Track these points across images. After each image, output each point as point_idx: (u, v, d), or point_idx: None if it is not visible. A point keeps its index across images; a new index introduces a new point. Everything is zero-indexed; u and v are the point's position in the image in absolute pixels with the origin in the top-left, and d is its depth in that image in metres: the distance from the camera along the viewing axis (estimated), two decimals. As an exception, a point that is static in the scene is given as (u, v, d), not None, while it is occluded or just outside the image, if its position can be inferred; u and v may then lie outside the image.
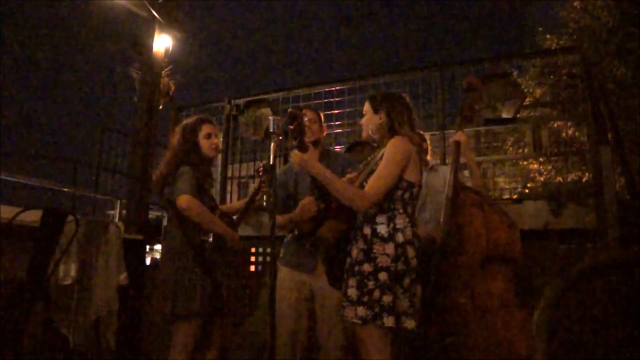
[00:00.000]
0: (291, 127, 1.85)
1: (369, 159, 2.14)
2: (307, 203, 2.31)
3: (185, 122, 2.61)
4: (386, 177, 1.88)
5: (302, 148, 1.88)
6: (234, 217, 2.70)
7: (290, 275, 2.42)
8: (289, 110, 1.89)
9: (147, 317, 3.64)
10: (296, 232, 2.38)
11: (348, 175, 2.17)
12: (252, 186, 2.76)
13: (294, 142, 1.86)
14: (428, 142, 2.88)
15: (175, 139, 2.53)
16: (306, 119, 2.53)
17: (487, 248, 2.12)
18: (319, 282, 2.34)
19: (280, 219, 2.34)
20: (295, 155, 1.90)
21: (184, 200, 2.26)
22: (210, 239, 2.43)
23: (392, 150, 1.92)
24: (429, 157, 2.84)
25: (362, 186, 1.96)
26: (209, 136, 2.52)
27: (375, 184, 1.88)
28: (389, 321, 1.78)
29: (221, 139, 4.58)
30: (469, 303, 2.08)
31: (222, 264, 2.45)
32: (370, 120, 2.09)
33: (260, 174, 2.70)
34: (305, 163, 1.90)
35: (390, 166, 1.89)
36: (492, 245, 2.12)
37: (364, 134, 2.14)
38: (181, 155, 2.43)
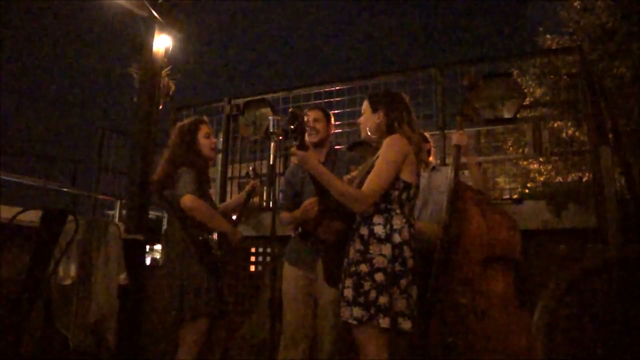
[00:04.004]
0: (292, 127, 1.85)
1: (368, 160, 2.13)
2: (309, 204, 2.35)
3: (182, 122, 2.60)
4: (383, 175, 1.87)
5: (303, 148, 1.88)
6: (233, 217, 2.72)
7: (292, 271, 2.50)
8: (290, 110, 1.89)
9: (147, 317, 3.64)
10: (299, 230, 2.41)
11: (351, 173, 2.17)
12: (248, 186, 2.77)
13: (294, 142, 1.86)
14: (431, 143, 2.88)
15: (172, 139, 2.52)
16: (309, 118, 2.55)
17: (488, 248, 2.13)
18: (317, 280, 2.40)
19: (286, 215, 2.48)
20: (295, 154, 1.89)
21: (189, 200, 2.26)
22: (215, 237, 2.42)
23: (388, 148, 1.91)
24: (431, 158, 2.83)
25: (360, 187, 1.95)
26: (208, 136, 2.53)
27: (372, 183, 1.87)
28: (384, 322, 1.77)
29: (221, 139, 4.58)
30: (469, 303, 2.08)
31: (226, 262, 2.45)
32: (368, 120, 2.08)
33: (252, 176, 2.73)
34: (305, 162, 1.89)
35: (386, 164, 1.88)
36: (492, 245, 2.13)
37: (362, 134, 2.13)
38: (180, 156, 2.43)
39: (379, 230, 1.87)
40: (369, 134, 2.08)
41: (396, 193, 1.91)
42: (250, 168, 2.81)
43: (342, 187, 1.89)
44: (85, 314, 2.98)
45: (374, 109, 2.06)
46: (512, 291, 2.13)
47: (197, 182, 2.35)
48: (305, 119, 2.48)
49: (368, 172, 1.95)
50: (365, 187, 1.88)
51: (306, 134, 2.30)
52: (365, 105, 2.11)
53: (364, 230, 1.90)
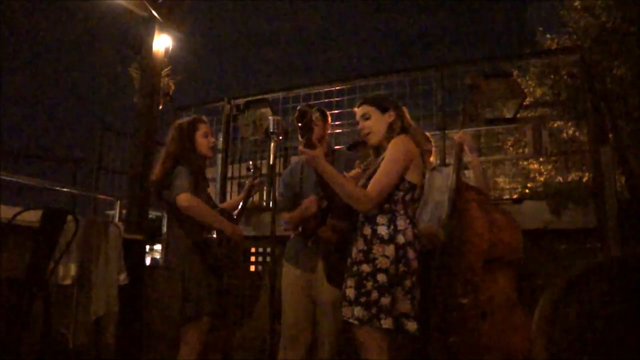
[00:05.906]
0: (300, 124, 1.82)
1: (369, 160, 2.12)
2: (308, 202, 2.34)
3: (180, 121, 2.58)
4: (388, 176, 1.86)
5: (310, 145, 1.86)
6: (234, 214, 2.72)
7: (292, 272, 2.48)
8: (299, 107, 1.86)
9: (147, 317, 3.64)
10: (300, 230, 2.41)
11: (353, 172, 2.17)
12: (247, 183, 2.77)
13: (302, 139, 1.85)
14: (432, 142, 2.88)
15: (170, 138, 2.50)
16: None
17: (489, 248, 2.12)
18: (318, 280, 2.38)
19: (285, 215, 2.47)
20: (304, 151, 1.85)
21: (184, 199, 2.25)
22: (214, 236, 2.42)
23: (395, 149, 1.90)
24: (431, 159, 2.83)
25: (365, 187, 1.94)
26: (206, 135, 2.52)
27: (377, 183, 1.86)
28: (386, 322, 1.76)
29: (221, 139, 4.58)
30: (471, 304, 2.08)
31: (227, 261, 2.44)
32: (378, 122, 2.01)
33: (252, 170, 2.74)
34: (313, 160, 1.85)
35: (392, 165, 1.87)
36: (494, 246, 2.13)
37: (373, 139, 2.04)
38: (178, 155, 2.41)
39: (382, 230, 1.86)
40: (383, 135, 2.00)
41: (401, 194, 1.90)
42: (250, 162, 2.81)
43: (348, 186, 1.88)
44: (85, 314, 2.98)
45: (383, 110, 2.02)
46: (514, 291, 2.13)
47: (193, 180, 2.34)
48: (314, 116, 2.46)
49: (373, 173, 1.94)
50: (370, 187, 1.87)
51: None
52: (369, 108, 2.04)
53: (367, 230, 1.90)
